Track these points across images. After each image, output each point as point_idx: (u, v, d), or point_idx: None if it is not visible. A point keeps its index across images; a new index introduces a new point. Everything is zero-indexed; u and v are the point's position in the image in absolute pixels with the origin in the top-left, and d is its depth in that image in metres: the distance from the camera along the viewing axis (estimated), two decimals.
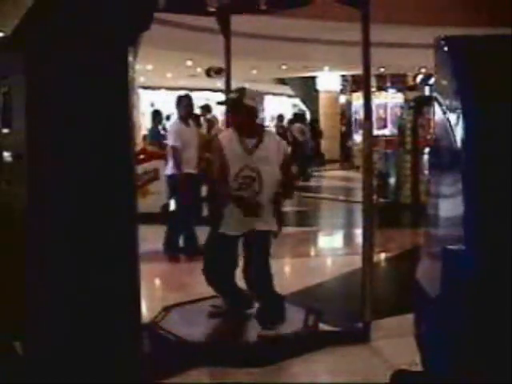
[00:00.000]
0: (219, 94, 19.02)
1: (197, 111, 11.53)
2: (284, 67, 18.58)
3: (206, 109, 11.18)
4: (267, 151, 4.08)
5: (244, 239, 4.18)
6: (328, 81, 21.64)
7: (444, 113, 2.47)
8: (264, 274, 4.05)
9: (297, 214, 10.03)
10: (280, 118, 18.76)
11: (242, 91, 4.18)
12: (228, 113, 4.53)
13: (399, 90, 19.90)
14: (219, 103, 4.81)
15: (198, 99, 21.93)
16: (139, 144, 10.29)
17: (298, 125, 17.17)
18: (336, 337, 4.10)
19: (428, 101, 10.25)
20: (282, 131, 16.51)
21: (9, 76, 2.96)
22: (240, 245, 4.22)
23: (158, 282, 6.11)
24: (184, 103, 6.66)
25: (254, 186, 4.01)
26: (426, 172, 9.60)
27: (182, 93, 7.53)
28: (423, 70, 18.56)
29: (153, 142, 10.03)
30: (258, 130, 4.17)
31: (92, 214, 2.80)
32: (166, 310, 4.46)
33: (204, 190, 9.56)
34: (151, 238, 6.87)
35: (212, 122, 10.51)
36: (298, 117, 18.73)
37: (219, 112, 15.10)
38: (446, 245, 2.43)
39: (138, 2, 2.95)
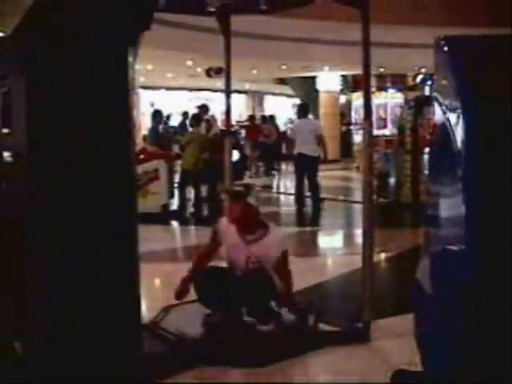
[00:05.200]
0: (219, 93, 19.09)
1: (194, 111, 11.52)
2: (284, 67, 18.57)
3: (204, 109, 11.14)
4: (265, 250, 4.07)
5: None
6: (328, 81, 21.63)
7: (444, 113, 2.46)
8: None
9: (296, 214, 10.02)
10: (271, 118, 19.01)
11: (248, 187, 4.17)
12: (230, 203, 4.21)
13: (399, 90, 19.91)
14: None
15: (198, 99, 21.98)
16: (139, 144, 10.27)
17: (265, 126, 17.59)
18: (336, 337, 4.09)
19: (428, 101, 10.23)
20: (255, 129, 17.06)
21: (9, 76, 2.96)
22: None
23: (157, 281, 6.10)
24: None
25: None
26: (426, 172, 9.59)
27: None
28: (423, 70, 18.57)
29: (153, 142, 10.02)
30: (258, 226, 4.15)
31: (92, 214, 2.80)
32: (166, 309, 4.46)
33: (204, 190, 9.63)
34: (151, 238, 6.88)
35: (210, 122, 10.47)
36: (266, 118, 19.18)
37: (219, 112, 15.14)
38: (446, 245, 2.43)
39: (138, 1, 2.96)
